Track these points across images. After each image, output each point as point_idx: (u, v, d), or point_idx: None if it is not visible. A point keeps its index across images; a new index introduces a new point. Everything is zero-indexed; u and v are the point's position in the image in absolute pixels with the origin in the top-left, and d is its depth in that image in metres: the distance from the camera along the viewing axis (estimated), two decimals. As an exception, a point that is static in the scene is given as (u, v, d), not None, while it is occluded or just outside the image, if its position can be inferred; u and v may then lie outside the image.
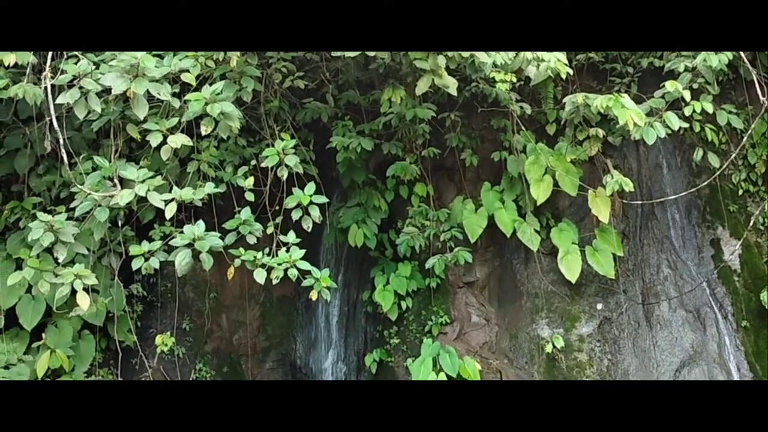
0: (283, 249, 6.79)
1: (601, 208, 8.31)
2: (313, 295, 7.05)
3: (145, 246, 6.25)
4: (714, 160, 8.38)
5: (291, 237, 6.84)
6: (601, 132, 8.28)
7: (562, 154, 8.42)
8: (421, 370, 8.29)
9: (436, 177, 9.57)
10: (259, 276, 6.51)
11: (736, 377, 8.39)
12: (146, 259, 6.20)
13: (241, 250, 6.59)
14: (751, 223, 8.72)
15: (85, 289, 5.97)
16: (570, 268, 8.57)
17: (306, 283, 6.77)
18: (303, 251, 6.71)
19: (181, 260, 6.01)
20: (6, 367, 6.68)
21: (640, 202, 9.05)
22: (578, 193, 8.42)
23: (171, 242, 6.15)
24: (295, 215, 6.79)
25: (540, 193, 8.35)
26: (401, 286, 9.14)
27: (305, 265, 6.68)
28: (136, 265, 6.19)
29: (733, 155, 8.62)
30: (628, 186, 7.91)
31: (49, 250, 6.21)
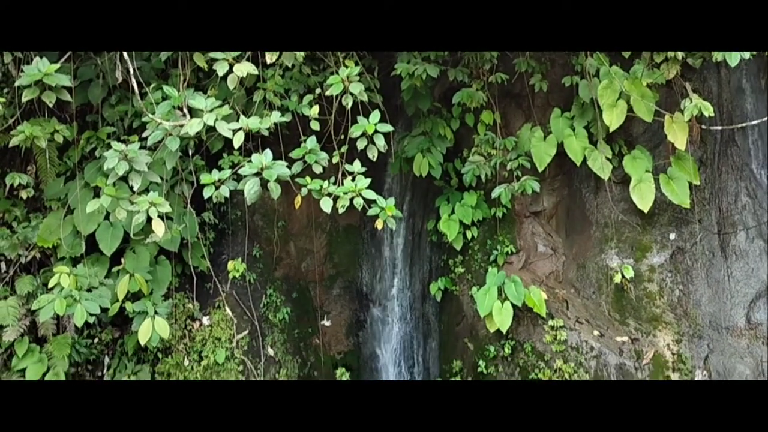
0: (349, 178, 6.81)
1: (677, 134, 7.93)
2: (379, 224, 7.08)
3: (215, 175, 6.37)
4: (803, 82, 7.85)
5: (356, 166, 6.84)
6: (680, 54, 7.82)
7: (638, 78, 8.01)
8: (486, 299, 8.31)
9: (504, 104, 9.32)
10: (326, 205, 6.57)
11: (815, 310, 8.10)
12: (216, 188, 6.33)
13: (308, 179, 6.63)
14: (842, 149, 8.20)
15: (160, 216, 6.17)
16: (643, 197, 8.30)
17: (371, 212, 6.80)
18: (368, 180, 6.71)
19: (250, 189, 6.11)
20: (88, 290, 7.01)
21: (719, 128, 8.57)
22: (654, 119, 8.05)
23: (240, 171, 6.23)
24: (360, 144, 6.76)
25: (613, 119, 8.02)
26: (466, 216, 9.10)
27: (370, 194, 6.69)
28: (207, 193, 6.33)
29: (826, 76, 8.04)
30: (708, 111, 7.48)
31: (124, 178, 6.42)
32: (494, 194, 8.68)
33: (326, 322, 9.62)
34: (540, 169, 8.74)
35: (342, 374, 9.19)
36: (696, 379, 8.09)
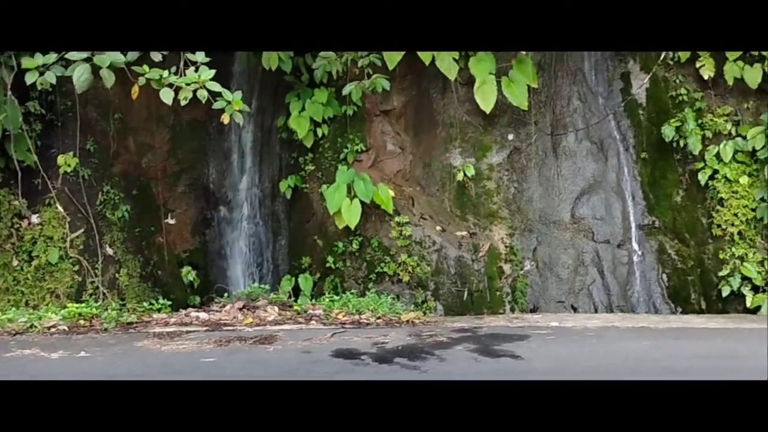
0: (192, 68, 6.46)
1: (520, 37, 8.21)
2: (225, 119, 6.87)
3: (39, 59, 5.77)
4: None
5: (200, 56, 6.50)
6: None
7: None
8: (335, 196, 8.40)
9: (355, -2, 9.10)
10: (166, 96, 6.24)
11: (630, 205, 8.99)
12: (41, 74, 5.76)
13: (146, 67, 6.21)
14: (661, 58, 8.90)
15: (-26, 104, 5.54)
16: (485, 98, 8.61)
17: (217, 105, 6.56)
18: (213, 72, 6.41)
19: (79, 76, 5.64)
20: None
21: (558, 33, 8.99)
22: (499, 21, 8.25)
23: (67, 56, 5.68)
24: (205, 32, 6.35)
25: (461, 19, 8.12)
26: (317, 113, 8.99)
27: (215, 87, 6.43)
28: (29, 79, 5.74)
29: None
30: (549, 15, 7.80)
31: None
32: (345, 91, 8.61)
33: (170, 220, 9.29)
34: (390, 68, 8.73)
35: (188, 273, 9.01)
36: (525, 268, 8.82)
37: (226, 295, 7.54)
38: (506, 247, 8.90)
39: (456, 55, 8.62)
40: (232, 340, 6.05)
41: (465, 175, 9.01)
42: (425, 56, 8.55)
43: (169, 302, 7.69)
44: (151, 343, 6.01)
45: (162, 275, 8.91)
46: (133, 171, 9.11)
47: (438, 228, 8.86)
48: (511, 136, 9.19)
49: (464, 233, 8.94)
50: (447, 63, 8.55)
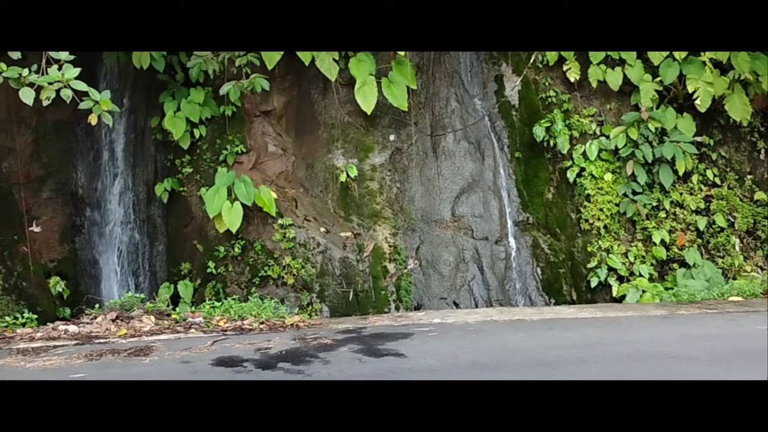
0: (55, 67, 6.08)
1: (398, 39, 8.33)
2: (93, 120, 6.52)
3: None
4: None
5: (64, 54, 6.11)
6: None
7: (363, -19, 8.17)
8: (215, 199, 8.17)
9: (232, -4, 8.90)
10: (26, 96, 5.84)
11: (506, 203, 9.35)
12: None
13: (3, 65, 5.79)
14: (531, 61, 9.32)
15: None
16: (366, 99, 8.67)
17: (83, 105, 6.21)
18: (78, 70, 6.05)
19: (-77, 73, 5.14)
20: None
21: (435, 36, 9.21)
22: (377, 23, 8.33)
23: None
24: (67, 28, 5.99)
25: (339, 20, 8.13)
26: (194, 113, 8.71)
27: (81, 86, 6.08)
28: None
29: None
30: (425, 18, 7.97)
31: None
32: (222, 91, 8.40)
33: (35, 228, 8.68)
34: (269, 68, 8.60)
35: (56, 283, 8.47)
36: (409, 267, 8.96)
37: (97, 306, 7.14)
38: (390, 246, 9.00)
39: (336, 55, 8.62)
40: (104, 354, 5.74)
41: (348, 175, 9.03)
42: (305, 56, 8.49)
43: (36, 316, 7.19)
44: (14, 361, 5.59)
45: (27, 287, 8.31)
46: (-8, 176, 8.46)
47: (322, 229, 8.83)
48: (392, 137, 9.32)
49: (348, 234, 8.96)
50: (327, 63, 8.54)
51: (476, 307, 8.80)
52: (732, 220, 9.12)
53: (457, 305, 8.89)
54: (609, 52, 9.00)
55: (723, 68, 8.86)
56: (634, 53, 8.96)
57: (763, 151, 9.46)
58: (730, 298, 7.78)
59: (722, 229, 9.07)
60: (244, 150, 9.00)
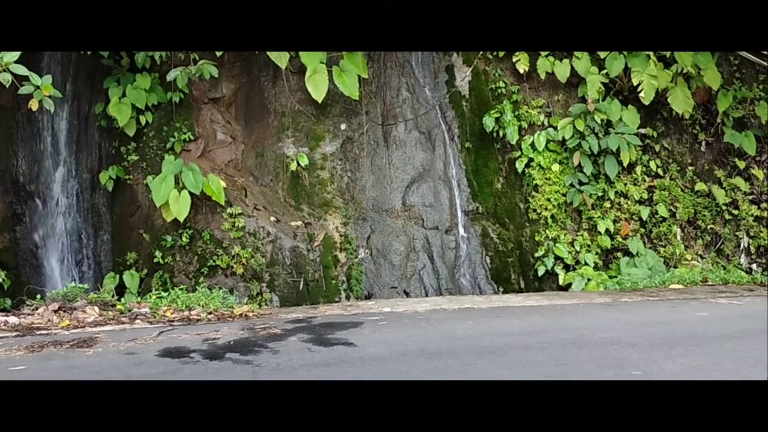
0: (-8, 49, 5.85)
1: (349, 27, 8.30)
2: (33, 105, 6.35)
3: None
4: (456, -11, 8.70)
5: None
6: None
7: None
8: (162, 188, 8.02)
9: (179, -20, 8.72)
10: (-39, 79, 5.60)
11: (456, 192, 9.43)
12: None
13: (-64, 47, 5.53)
14: (481, 52, 9.39)
15: None
16: (317, 87, 8.61)
17: (23, 90, 6.02)
18: (17, 54, 5.87)
19: None
20: None
21: (386, 25, 9.21)
22: (328, 11, 8.27)
23: None
24: (4, 10, 5.80)
25: (290, 7, 8.04)
26: (140, 100, 8.53)
27: (21, 70, 5.91)
28: None
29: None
30: (377, 7, 7.95)
31: None
32: (170, 77, 8.25)
33: (-27, 218, 8.38)
34: (218, 54, 8.48)
35: (-4, 274, 8.20)
36: (360, 256, 8.97)
37: (39, 297, 6.93)
38: (341, 236, 8.99)
39: (287, 43, 8.53)
40: (46, 345, 5.57)
41: (298, 164, 8.98)
42: (255, 43, 8.38)
43: (-27, 307, 6.96)
44: (-51, 355, 5.39)
45: (-35, 278, 8.03)
46: (-76, 163, 8.12)
47: (272, 219, 8.76)
48: (343, 126, 9.28)
49: (299, 223, 8.91)
50: (277, 51, 8.44)
51: (426, 296, 8.88)
52: (674, 210, 9.40)
53: (407, 294, 8.94)
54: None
55: (666, 62, 9.10)
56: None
57: (704, 143, 9.76)
58: (671, 286, 8.03)
59: (664, 219, 9.34)
60: (192, 137, 8.85)
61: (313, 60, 8.58)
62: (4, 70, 6.15)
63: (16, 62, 6.20)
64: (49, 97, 6.51)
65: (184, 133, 8.76)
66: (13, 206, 8.83)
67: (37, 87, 6.36)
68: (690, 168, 9.64)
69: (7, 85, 6.20)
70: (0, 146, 8.77)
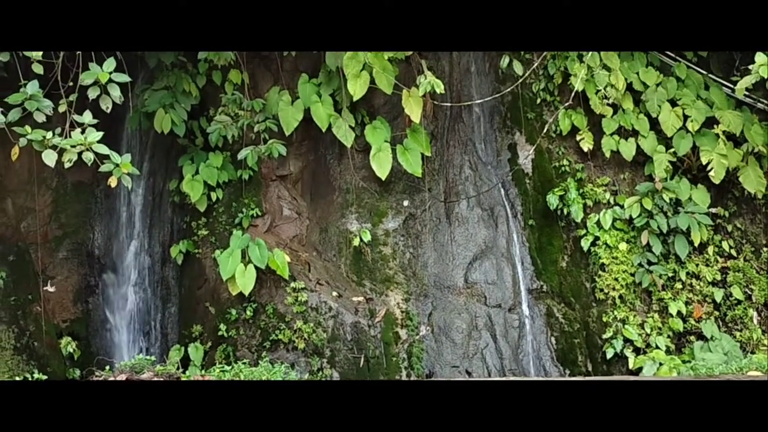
0: (78, 130, 6.23)
1: (413, 107, 8.51)
2: (112, 182, 6.62)
3: None
4: (518, 68, 8.85)
5: (87, 117, 6.29)
6: (418, 32, 8.34)
7: (380, 52, 8.40)
8: (229, 262, 8.21)
9: (252, 65, 9.18)
10: (49, 158, 5.97)
11: (520, 270, 9.29)
12: None
13: (28, 128, 5.94)
14: (545, 131, 9.44)
15: None
16: (381, 165, 8.79)
17: (104, 168, 6.33)
18: (100, 134, 6.21)
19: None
20: None
21: (449, 105, 9.43)
22: (393, 92, 8.53)
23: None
24: (92, 93, 6.21)
25: (356, 89, 8.32)
26: (211, 177, 8.86)
27: (102, 149, 6.21)
28: None
29: (535, 65, 9.17)
30: (440, 88, 8.17)
31: None
32: (241, 156, 8.56)
33: (50, 288, 8.74)
34: (287, 133, 8.80)
35: (68, 344, 8.46)
36: (421, 333, 8.87)
37: (108, 368, 7.09)
38: (402, 312, 8.94)
39: (352, 122, 8.80)
40: (112, 418, 5.66)
41: (361, 240, 9.06)
42: (322, 122, 8.68)
43: (45, 376, 7.15)
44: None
45: (38, 347, 8.30)
46: (11, 235, 8.59)
47: (334, 294, 8.81)
48: (406, 203, 9.38)
49: (361, 299, 8.93)
50: (343, 130, 8.71)
51: (489, 376, 8.65)
52: (749, 292, 9.00)
53: (469, 374, 8.74)
54: (622, 124, 9.08)
55: (736, 140, 8.91)
56: (647, 125, 9.05)
57: (778, 223, 9.41)
58: (749, 373, 7.60)
59: (739, 302, 8.94)
60: (260, 213, 9.10)
61: (378, 138, 8.80)
62: (87, 149, 6.47)
63: (98, 142, 6.56)
64: (128, 174, 6.79)
65: (252, 209, 9.02)
66: (86, 278, 9.19)
67: (117, 165, 6.63)
68: (765, 249, 9.26)
69: (89, 164, 6.52)
70: (78, 220, 9.22)
